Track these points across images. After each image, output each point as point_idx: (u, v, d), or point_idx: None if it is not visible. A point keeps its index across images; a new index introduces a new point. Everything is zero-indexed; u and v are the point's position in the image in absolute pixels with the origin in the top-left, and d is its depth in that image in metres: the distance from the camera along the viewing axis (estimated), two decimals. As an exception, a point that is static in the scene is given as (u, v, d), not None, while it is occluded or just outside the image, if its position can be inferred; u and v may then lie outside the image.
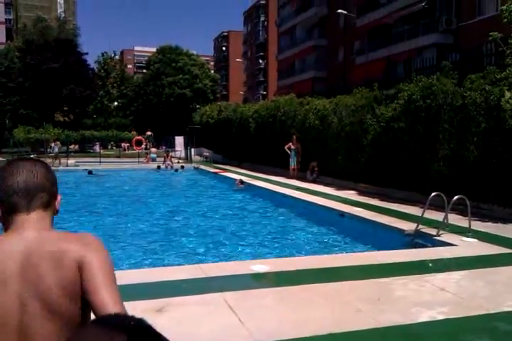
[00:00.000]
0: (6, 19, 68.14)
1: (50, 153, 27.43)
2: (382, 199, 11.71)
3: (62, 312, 1.35)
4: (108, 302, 1.30)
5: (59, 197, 1.55)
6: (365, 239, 8.45)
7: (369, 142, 13.04)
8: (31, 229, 1.41)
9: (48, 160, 25.22)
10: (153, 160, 28.14)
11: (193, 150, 29.82)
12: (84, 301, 1.35)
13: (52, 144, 27.62)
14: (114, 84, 61.75)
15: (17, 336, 1.33)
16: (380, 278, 5.38)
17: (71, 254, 1.38)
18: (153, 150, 30.38)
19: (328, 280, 5.37)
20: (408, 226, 8.21)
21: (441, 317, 4.26)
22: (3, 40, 58.18)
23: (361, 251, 7.59)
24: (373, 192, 12.81)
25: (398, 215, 9.43)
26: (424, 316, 4.25)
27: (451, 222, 8.07)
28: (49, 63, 40.88)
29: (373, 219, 9.18)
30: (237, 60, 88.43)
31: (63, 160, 25.80)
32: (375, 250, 7.50)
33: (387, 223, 8.73)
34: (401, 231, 8.14)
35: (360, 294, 4.87)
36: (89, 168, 22.87)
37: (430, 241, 7.42)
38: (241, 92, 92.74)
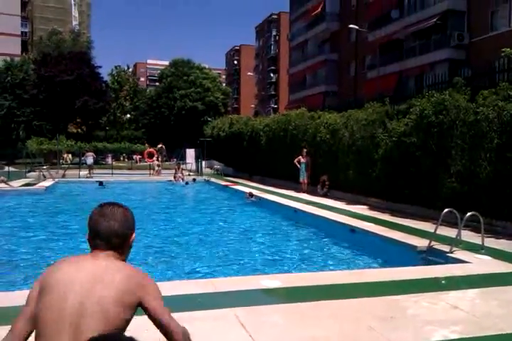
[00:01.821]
0: (21, 32, 69.34)
1: (63, 164, 27.61)
2: (393, 215, 11.63)
3: (113, 318, 1.91)
4: (163, 313, 2.04)
5: (133, 235, 2.18)
6: (377, 255, 8.37)
7: (380, 157, 13.00)
8: (102, 258, 2.05)
9: (61, 172, 25.46)
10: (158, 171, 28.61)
11: (203, 162, 29.92)
12: (131, 314, 2.00)
13: (89, 154, 27.59)
14: (127, 97, 62.44)
15: (73, 331, 1.86)
16: (392, 296, 5.32)
17: (132, 280, 2.01)
18: (156, 162, 30.63)
19: (339, 297, 5.31)
20: (420, 243, 8.13)
21: (454, 336, 4.18)
22: (19, 53, 59.11)
23: (372, 268, 7.52)
24: (384, 207, 12.73)
25: (410, 231, 9.35)
26: (438, 335, 4.18)
27: (464, 239, 7.99)
28: (63, 75, 41.44)
29: (384, 234, 9.10)
30: (249, 73, 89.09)
31: (75, 172, 25.98)
32: (387, 266, 7.42)
33: (398, 239, 8.65)
34: (413, 247, 8.05)
35: (372, 311, 4.81)
36: (102, 179, 23.00)
37: (443, 258, 7.33)
38: (252, 106, 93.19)
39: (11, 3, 61.65)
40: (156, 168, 29.07)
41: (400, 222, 10.53)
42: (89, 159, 26.97)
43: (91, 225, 2.10)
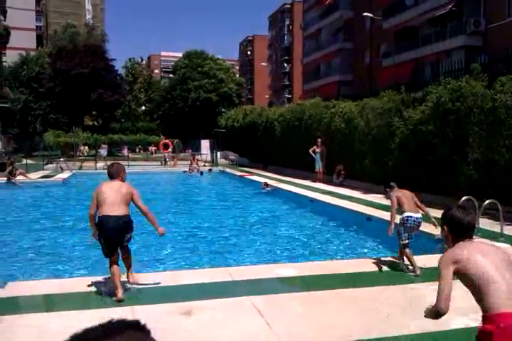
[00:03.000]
0: (36, 26, 69.68)
1: (80, 156, 27.95)
2: (410, 204, 11.52)
3: (126, 198, 5.29)
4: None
5: (124, 173, 5.69)
6: (394, 244, 8.31)
7: (397, 145, 12.88)
8: (117, 181, 5.37)
9: (77, 164, 25.72)
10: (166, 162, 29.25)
11: (218, 153, 29.97)
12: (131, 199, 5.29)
13: (103, 146, 28.26)
14: (142, 89, 62.62)
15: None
16: (410, 284, 5.29)
17: (129, 188, 5.36)
18: (166, 154, 31.12)
19: (356, 286, 5.31)
20: (438, 231, 8.05)
21: (475, 324, 4.15)
22: (34, 47, 59.46)
23: (390, 256, 7.48)
24: (401, 196, 12.62)
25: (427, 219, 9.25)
26: (458, 323, 4.16)
27: (483, 227, 7.90)
28: (78, 69, 41.63)
29: (402, 223, 9.03)
30: (262, 64, 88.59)
31: (92, 164, 26.23)
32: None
33: (416, 227, 8.57)
34: (431, 235, 7.99)
35: (390, 300, 4.80)
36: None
37: (461, 247, 7.26)
38: (266, 96, 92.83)
39: (25, -2, 62.04)
40: (167, 160, 29.38)
41: (417, 211, 10.43)
42: (104, 151, 27.39)
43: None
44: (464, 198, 7.74)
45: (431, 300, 4.74)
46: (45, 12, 77.14)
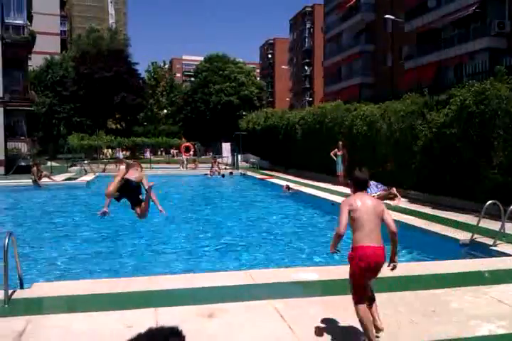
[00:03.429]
0: (61, 31, 70.92)
1: (103, 159, 28.36)
2: (433, 207, 11.41)
3: None
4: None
5: None
6: (416, 249, 8.23)
7: (420, 148, 12.74)
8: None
9: (101, 166, 26.07)
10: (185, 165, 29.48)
11: (239, 156, 30.05)
12: None
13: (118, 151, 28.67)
14: (164, 93, 63.23)
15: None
16: (433, 289, 5.23)
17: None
18: (185, 157, 31.35)
19: (379, 290, 5.24)
20: (462, 236, 7.95)
21: (501, 331, 4.08)
22: (58, 51, 60.54)
23: (412, 261, 7.40)
24: (424, 200, 12.49)
25: (451, 224, 9.15)
26: (483, 330, 4.09)
27: (508, 232, 7.76)
28: (101, 72, 42.25)
29: (425, 227, 8.95)
30: (283, 66, 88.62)
31: (114, 166, 26.52)
32: (427, 260, 7.30)
33: (439, 232, 8.49)
34: (455, 240, 7.89)
35: (413, 305, 4.74)
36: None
37: (486, 252, 7.15)
38: (287, 99, 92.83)
39: (51, 3, 63.00)
40: (185, 163, 29.61)
41: (441, 215, 10.32)
42: (121, 154, 27.98)
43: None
44: (488, 202, 7.62)
45: (455, 305, 4.70)
46: (70, 17, 78.50)
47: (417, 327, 4.17)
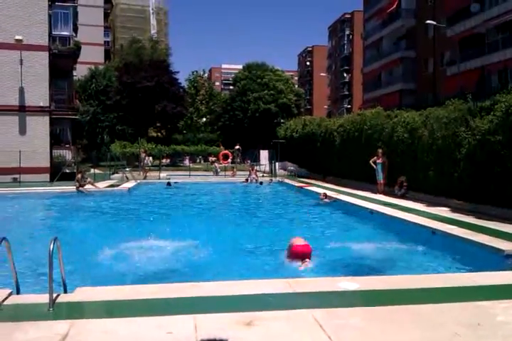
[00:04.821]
0: (104, 41, 73.10)
1: (146, 165, 28.91)
2: (477, 217, 11.07)
3: None
4: None
5: None
6: (459, 259, 8.01)
7: (463, 156, 12.44)
8: None
9: (142, 173, 26.58)
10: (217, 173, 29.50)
11: (277, 164, 30.04)
12: None
13: (143, 156, 29.10)
14: (203, 101, 64.02)
15: None
16: (478, 301, 5.06)
17: None
18: (217, 165, 31.70)
19: (419, 302, 5.13)
20: (508, 246, 7.69)
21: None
22: (102, 61, 62.38)
23: (455, 272, 7.21)
24: (467, 209, 12.15)
25: (496, 234, 8.86)
26: (530, 345, 3.94)
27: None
28: (143, 82, 43.15)
29: (468, 237, 8.69)
30: (322, 74, 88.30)
31: (156, 173, 26.95)
32: (470, 271, 7.09)
33: (483, 242, 8.23)
34: (499, 251, 7.63)
35: (456, 317, 4.61)
36: (179, 181, 23.93)
37: (533, 263, 6.89)
38: (325, 106, 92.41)
39: (95, 15, 65.26)
40: (218, 171, 29.91)
41: (485, 225, 10.00)
42: (146, 161, 28.70)
43: None
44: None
45: (501, 319, 4.53)
46: (113, 28, 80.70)
47: (461, 340, 4.05)
